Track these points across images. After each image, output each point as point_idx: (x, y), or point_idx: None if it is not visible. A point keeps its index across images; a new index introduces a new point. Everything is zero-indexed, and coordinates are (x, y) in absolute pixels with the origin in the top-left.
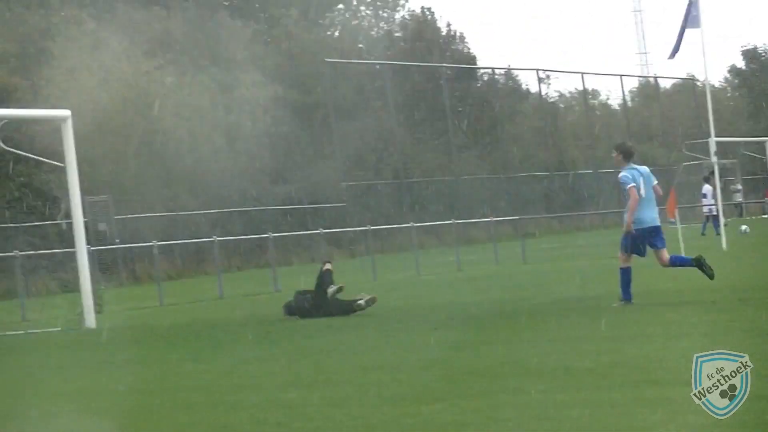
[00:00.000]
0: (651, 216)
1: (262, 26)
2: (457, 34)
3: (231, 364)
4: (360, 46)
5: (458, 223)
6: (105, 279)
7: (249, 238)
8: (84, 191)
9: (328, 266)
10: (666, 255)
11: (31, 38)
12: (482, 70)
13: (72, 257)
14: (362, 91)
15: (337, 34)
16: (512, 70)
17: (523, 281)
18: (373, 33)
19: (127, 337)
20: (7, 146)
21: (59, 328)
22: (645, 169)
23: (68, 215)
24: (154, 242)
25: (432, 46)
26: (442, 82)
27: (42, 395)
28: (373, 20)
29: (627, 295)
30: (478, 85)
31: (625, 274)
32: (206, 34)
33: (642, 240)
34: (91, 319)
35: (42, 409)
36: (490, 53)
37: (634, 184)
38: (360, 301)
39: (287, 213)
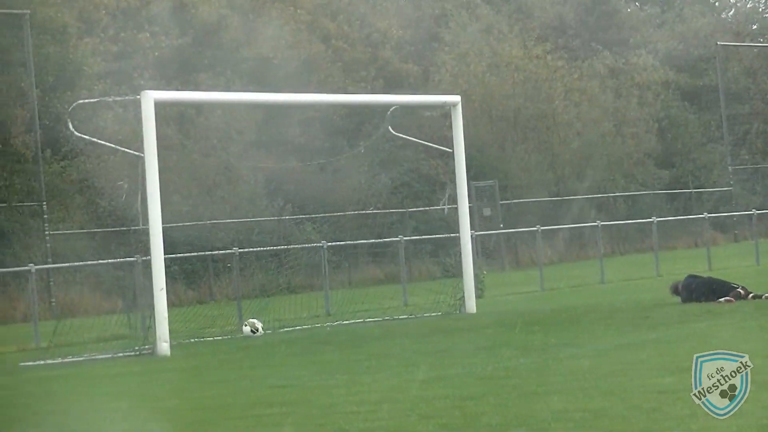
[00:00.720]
0: None
1: (655, 10)
2: None
3: (607, 349)
4: (753, 27)
5: None
6: (487, 264)
7: (632, 222)
8: (470, 177)
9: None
10: None
11: (424, 24)
12: None
13: (455, 242)
14: (754, 73)
15: (731, 16)
16: None
17: None
18: (766, 16)
19: (506, 322)
20: (396, 132)
21: (440, 313)
22: None
23: (452, 201)
24: (538, 227)
25: None
26: None
27: (416, 380)
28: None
29: None
30: None
31: None
32: (599, 18)
33: None
34: (471, 304)
35: (417, 394)
36: None
37: None
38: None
39: (672, 197)
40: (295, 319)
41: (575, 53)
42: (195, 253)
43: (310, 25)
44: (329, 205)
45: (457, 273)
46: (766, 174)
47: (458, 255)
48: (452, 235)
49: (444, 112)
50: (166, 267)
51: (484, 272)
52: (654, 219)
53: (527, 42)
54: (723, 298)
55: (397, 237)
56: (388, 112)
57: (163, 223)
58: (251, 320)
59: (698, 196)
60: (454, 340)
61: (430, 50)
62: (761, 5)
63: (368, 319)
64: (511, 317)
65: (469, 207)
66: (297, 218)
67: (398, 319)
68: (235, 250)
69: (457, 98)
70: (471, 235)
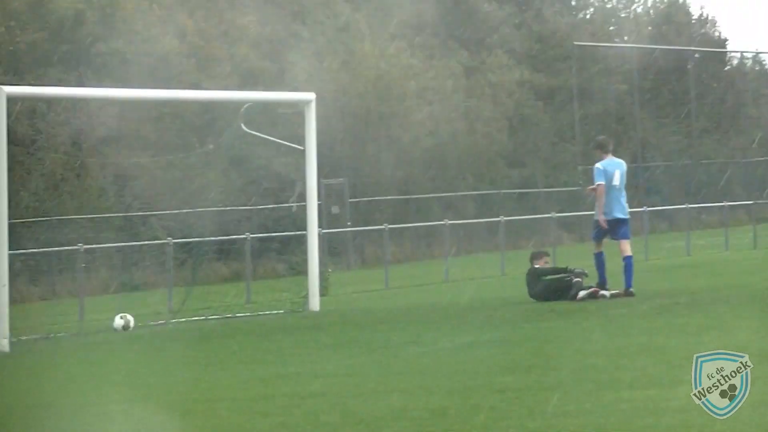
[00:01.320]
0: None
1: (513, 9)
2: (709, 17)
3: (450, 348)
4: (611, 28)
5: (691, 207)
6: (333, 262)
7: (480, 221)
8: (321, 174)
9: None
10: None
11: (283, 21)
12: (730, 54)
13: (302, 240)
14: (608, 74)
15: (588, 16)
16: (761, 54)
17: (750, 267)
18: (622, 15)
19: (349, 320)
20: (249, 129)
21: (282, 311)
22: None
23: (301, 198)
24: (385, 225)
25: (681, 30)
26: (689, 66)
27: (257, 378)
28: (626, 2)
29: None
30: (726, 69)
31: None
32: (459, 16)
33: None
34: (315, 302)
35: (257, 392)
36: (741, 37)
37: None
38: (604, 293)
39: (520, 196)
40: (138, 315)
41: (432, 51)
42: (39, 249)
43: (166, 20)
44: (177, 201)
45: (303, 271)
46: None
47: (305, 253)
48: (299, 232)
49: (299, 110)
50: (9, 263)
51: (330, 270)
52: (501, 218)
53: (382, 40)
54: (584, 292)
55: (243, 234)
56: (241, 109)
57: (8, 219)
58: (127, 316)
59: (547, 196)
60: (295, 338)
61: (287, 47)
62: (621, 4)
63: (211, 317)
64: (354, 315)
65: (318, 205)
66: (144, 215)
67: (241, 316)
68: (80, 246)
69: (311, 96)
70: (318, 233)
